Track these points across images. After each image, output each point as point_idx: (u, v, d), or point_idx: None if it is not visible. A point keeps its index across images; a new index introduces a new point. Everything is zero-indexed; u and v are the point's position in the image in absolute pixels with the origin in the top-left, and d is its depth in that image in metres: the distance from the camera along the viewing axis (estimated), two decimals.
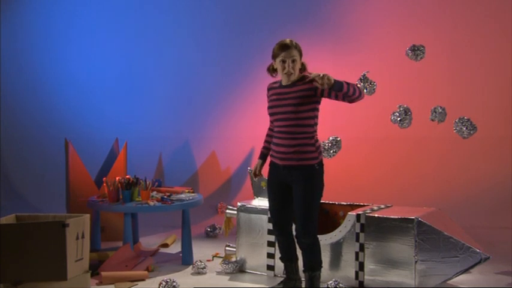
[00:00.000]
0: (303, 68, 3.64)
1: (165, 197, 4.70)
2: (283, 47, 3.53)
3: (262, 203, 4.35)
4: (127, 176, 4.79)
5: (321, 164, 3.57)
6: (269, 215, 3.88)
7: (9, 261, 3.42)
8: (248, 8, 7.09)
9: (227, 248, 4.60)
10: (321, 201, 3.64)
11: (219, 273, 4.39)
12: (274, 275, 4.25)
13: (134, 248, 4.67)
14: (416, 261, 3.73)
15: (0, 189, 6.98)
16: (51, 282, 3.45)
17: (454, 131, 4.63)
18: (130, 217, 4.55)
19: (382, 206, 4.24)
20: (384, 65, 6.43)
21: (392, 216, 3.84)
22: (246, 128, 6.97)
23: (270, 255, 4.27)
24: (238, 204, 4.49)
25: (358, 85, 4.54)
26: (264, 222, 4.30)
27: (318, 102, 3.56)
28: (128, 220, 4.48)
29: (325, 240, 4.01)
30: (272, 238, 4.19)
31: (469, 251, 3.72)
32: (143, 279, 4.19)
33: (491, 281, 4.13)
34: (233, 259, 4.51)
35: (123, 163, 5.60)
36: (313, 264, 3.63)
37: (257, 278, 4.26)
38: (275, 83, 3.71)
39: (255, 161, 4.00)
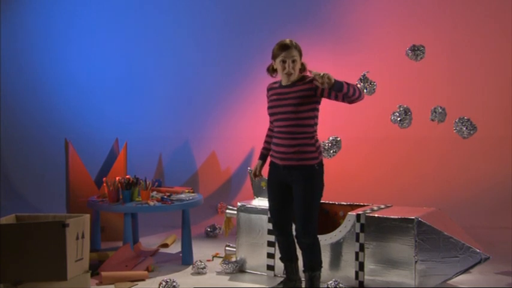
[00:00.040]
0: (303, 68, 3.63)
1: (165, 197, 4.70)
2: (283, 47, 3.53)
3: (262, 203, 4.35)
4: (127, 176, 4.79)
5: (321, 164, 3.57)
6: (269, 215, 3.87)
7: (9, 261, 3.42)
8: (248, 8, 7.10)
9: (227, 248, 4.60)
10: (321, 201, 3.64)
11: (219, 273, 4.39)
12: (274, 275, 4.25)
13: (134, 248, 4.67)
14: (416, 261, 3.73)
15: (0, 189, 6.98)
16: (51, 282, 3.45)
17: (454, 131, 4.63)
18: (130, 217, 4.55)
19: (382, 206, 4.24)
20: (384, 65, 6.43)
21: (392, 216, 3.84)
22: (246, 128, 6.97)
23: (270, 255, 4.27)
24: (238, 204, 4.49)
25: (358, 85, 4.54)
26: (264, 222, 4.30)
27: (318, 103, 3.56)
28: (127, 220, 4.48)
29: (325, 240, 4.01)
30: (272, 238, 4.19)
31: (469, 251, 3.72)
32: (143, 279, 4.19)
33: (491, 281, 4.13)
34: (233, 259, 4.51)
35: (123, 163, 5.60)
36: (313, 264, 3.63)
37: (257, 278, 4.26)
38: (275, 83, 3.71)
39: (255, 161, 4.00)
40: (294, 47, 3.53)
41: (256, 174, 3.90)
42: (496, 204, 6.18)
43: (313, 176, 3.52)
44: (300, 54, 3.57)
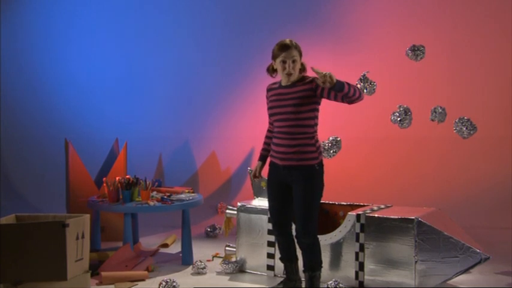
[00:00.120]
0: (303, 68, 3.63)
1: (165, 197, 4.70)
2: (284, 47, 3.53)
3: (262, 203, 4.35)
4: (127, 176, 4.79)
5: (321, 164, 3.57)
6: (269, 215, 3.87)
7: (9, 261, 3.42)
8: (248, 8, 7.10)
9: (227, 248, 4.60)
10: (321, 201, 3.64)
11: (219, 273, 4.39)
12: (274, 275, 4.25)
13: (134, 248, 4.67)
14: (416, 261, 3.73)
15: (0, 189, 6.98)
16: (51, 282, 3.44)
17: (454, 131, 4.63)
18: (130, 217, 4.55)
19: (382, 206, 4.24)
20: (384, 65, 6.43)
21: (392, 216, 3.84)
22: (246, 128, 6.97)
23: (270, 255, 4.27)
24: (238, 204, 4.49)
25: (358, 85, 4.54)
26: (264, 222, 4.30)
27: (318, 103, 3.56)
28: (128, 220, 4.48)
29: (325, 240, 4.01)
30: (272, 238, 4.19)
31: (469, 251, 3.72)
32: (143, 279, 4.19)
33: (491, 281, 4.13)
34: (233, 259, 4.51)
35: (123, 163, 5.60)
36: (313, 264, 3.63)
37: (257, 278, 4.26)
38: (274, 83, 3.71)
39: (255, 161, 4.00)
40: (294, 47, 3.53)
41: (256, 175, 3.90)
42: (496, 204, 6.18)
43: (313, 176, 3.52)
44: (300, 55, 3.57)
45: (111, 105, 7.29)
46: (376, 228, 3.87)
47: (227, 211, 4.70)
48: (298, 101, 3.50)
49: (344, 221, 4.02)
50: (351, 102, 3.43)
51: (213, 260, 4.74)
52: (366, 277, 3.91)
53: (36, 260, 3.43)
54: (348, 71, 5.44)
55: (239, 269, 4.40)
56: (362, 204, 4.38)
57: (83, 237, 3.61)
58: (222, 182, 7.02)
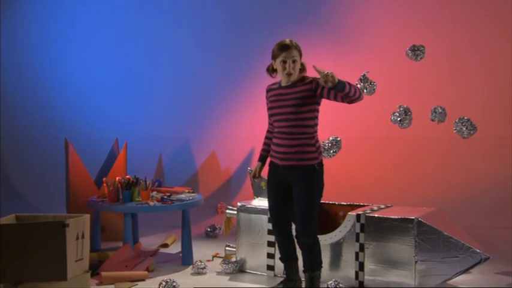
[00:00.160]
0: (303, 68, 3.63)
1: (165, 197, 4.70)
2: (284, 47, 3.53)
3: (262, 203, 4.35)
4: (127, 176, 4.79)
5: (321, 164, 3.57)
6: (269, 215, 3.87)
7: (9, 261, 3.42)
8: (248, 8, 7.10)
9: (227, 248, 4.60)
10: (321, 201, 3.64)
11: (219, 273, 4.39)
12: (274, 275, 4.25)
13: (134, 248, 4.67)
14: (416, 261, 3.73)
15: (0, 189, 6.98)
16: (51, 282, 3.44)
17: (454, 131, 4.63)
18: (130, 217, 4.55)
19: (382, 206, 4.24)
20: (384, 65, 6.43)
21: (392, 216, 3.84)
22: (246, 128, 6.97)
23: (270, 255, 4.27)
24: (238, 204, 4.49)
25: (358, 85, 4.54)
26: (264, 222, 4.30)
27: (318, 103, 3.56)
28: (128, 220, 4.48)
29: (325, 240, 4.01)
30: (272, 238, 4.19)
31: (469, 251, 3.72)
32: (143, 279, 4.19)
33: (491, 281, 4.13)
34: (233, 259, 4.51)
35: (123, 163, 5.60)
36: (313, 264, 3.63)
37: (257, 278, 4.26)
38: (274, 84, 3.71)
39: (255, 161, 4.00)
40: (294, 47, 3.53)
41: (256, 176, 3.90)
42: (496, 204, 6.18)
43: (313, 176, 3.52)
44: (300, 55, 3.57)
45: (111, 105, 7.29)
46: (376, 228, 3.87)
47: (227, 211, 4.70)
48: (298, 101, 3.50)
49: (344, 221, 4.02)
50: (351, 102, 3.42)
51: (213, 260, 4.74)
52: (366, 277, 3.91)
53: (36, 260, 3.43)
54: (348, 71, 5.44)
55: (239, 269, 4.40)
56: (362, 204, 4.38)
57: (83, 237, 3.61)
58: (222, 182, 7.02)
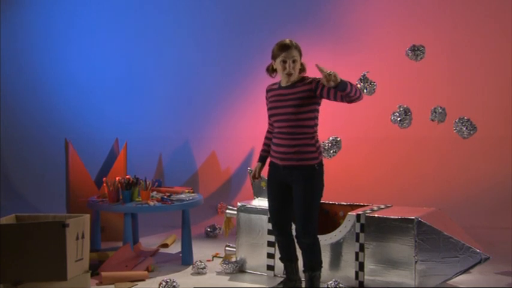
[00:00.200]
0: (303, 68, 3.63)
1: (165, 197, 4.70)
2: (284, 47, 3.53)
3: (262, 203, 4.35)
4: (127, 176, 4.79)
5: (321, 164, 3.57)
6: (269, 215, 3.87)
7: (9, 261, 3.42)
8: (248, 8, 7.09)
9: (227, 248, 4.60)
10: (321, 201, 3.64)
11: (219, 273, 4.39)
12: (274, 275, 4.25)
13: (134, 248, 4.67)
14: (416, 261, 3.73)
15: (0, 189, 6.98)
16: (51, 282, 3.44)
17: (454, 131, 4.63)
18: (131, 217, 4.55)
19: (382, 206, 4.24)
20: (384, 65, 6.43)
21: (392, 216, 3.84)
22: (246, 128, 6.97)
23: (270, 256, 4.26)
24: (238, 204, 4.49)
25: (358, 85, 4.55)
26: (264, 223, 4.30)
27: (318, 103, 3.56)
28: (128, 220, 4.48)
29: (325, 240, 4.01)
30: (272, 238, 4.19)
31: (469, 251, 3.72)
32: (143, 279, 4.19)
33: (491, 281, 4.13)
34: (233, 259, 4.51)
35: (123, 163, 5.60)
36: (313, 264, 3.63)
37: (257, 278, 4.26)
38: (274, 84, 3.71)
39: (255, 161, 4.00)
40: (294, 47, 3.53)
41: (256, 176, 3.90)
42: (496, 204, 6.18)
43: (313, 176, 3.52)
44: (300, 55, 3.57)
45: (111, 105, 7.29)
46: (376, 228, 3.87)
47: (227, 211, 4.70)
48: (298, 101, 3.50)
49: (344, 221, 4.02)
50: (350, 101, 3.42)
51: (213, 260, 4.74)
52: (366, 277, 3.91)
53: (36, 260, 3.43)
54: (348, 71, 5.43)
55: (239, 269, 4.40)
56: (362, 204, 4.38)
57: (83, 237, 3.61)
58: (222, 182, 7.02)
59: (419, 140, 6.55)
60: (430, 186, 6.42)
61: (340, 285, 3.75)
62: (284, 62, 3.53)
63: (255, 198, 4.56)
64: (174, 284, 3.79)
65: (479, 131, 4.68)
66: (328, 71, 3.19)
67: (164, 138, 7.16)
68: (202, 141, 7.14)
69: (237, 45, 7.09)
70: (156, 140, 7.14)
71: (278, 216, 3.72)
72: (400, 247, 3.78)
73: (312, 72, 3.64)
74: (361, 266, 3.92)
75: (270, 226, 4.14)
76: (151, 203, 4.50)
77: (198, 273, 4.36)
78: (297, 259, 3.82)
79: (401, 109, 4.55)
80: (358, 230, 3.93)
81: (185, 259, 4.64)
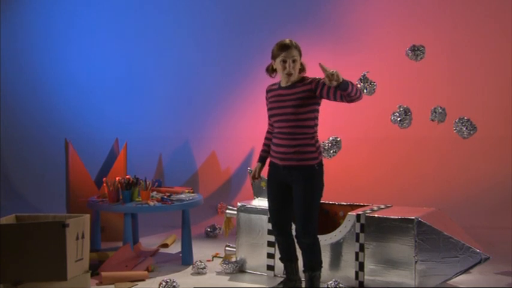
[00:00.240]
0: (302, 68, 3.63)
1: (165, 197, 4.70)
2: (284, 47, 3.53)
3: (262, 203, 4.35)
4: (127, 176, 4.79)
5: (320, 165, 3.57)
6: (269, 215, 3.87)
7: (9, 261, 3.42)
8: (248, 8, 7.10)
9: (227, 248, 4.60)
10: (321, 201, 3.63)
11: (219, 273, 4.39)
12: (274, 275, 4.25)
13: (134, 248, 4.67)
14: (416, 262, 3.73)
15: (0, 189, 6.98)
16: (51, 282, 3.45)
17: (454, 131, 4.63)
18: (131, 217, 4.55)
19: (382, 206, 4.24)
20: (384, 65, 6.43)
21: (392, 217, 3.84)
22: (246, 128, 6.97)
23: (270, 256, 4.26)
24: (238, 204, 4.49)
25: (358, 85, 4.55)
26: (264, 223, 4.30)
27: (318, 103, 3.56)
28: (128, 220, 4.48)
29: (325, 241, 4.01)
30: (272, 238, 4.19)
31: (469, 251, 3.72)
32: (143, 280, 4.19)
33: (491, 281, 4.13)
34: (233, 259, 4.51)
35: (123, 163, 5.60)
36: (313, 265, 3.63)
37: (257, 278, 4.26)
38: (274, 84, 3.71)
39: (255, 161, 4.00)
40: (294, 47, 3.53)
41: (255, 176, 3.90)
42: (496, 204, 6.18)
43: (313, 176, 3.52)
44: (300, 54, 3.57)
45: (111, 105, 7.29)
46: (376, 228, 3.87)
47: (227, 211, 4.70)
48: (298, 101, 3.50)
49: (344, 221, 4.02)
50: (351, 101, 3.42)
51: (213, 260, 4.74)
52: (366, 277, 3.91)
53: (36, 260, 3.43)
54: (348, 71, 5.43)
55: (239, 269, 4.40)
56: (362, 204, 4.38)
57: (83, 237, 3.61)
58: (222, 182, 7.02)
59: (419, 140, 6.55)
60: (430, 186, 6.42)
61: (340, 285, 3.75)
62: (284, 61, 3.53)
63: (255, 198, 4.56)
64: (174, 284, 3.79)
65: (479, 131, 4.68)
66: (331, 71, 3.20)
67: (164, 138, 7.16)
68: (202, 141, 7.14)
69: (237, 45, 7.10)
70: (156, 140, 7.14)
71: (278, 216, 3.72)
72: (400, 247, 3.78)
73: (312, 72, 3.64)
74: (361, 266, 3.92)
75: (270, 226, 4.14)
76: (151, 203, 4.50)
77: (198, 273, 4.36)
78: (297, 259, 3.82)
79: (401, 109, 4.55)
80: (358, 230, 3.93)
81: (185, 259, 4.64)
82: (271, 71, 3.69)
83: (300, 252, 3.67)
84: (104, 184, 4.66)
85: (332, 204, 4.49)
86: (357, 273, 3.93)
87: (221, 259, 4.60)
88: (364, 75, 4.56)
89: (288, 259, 3.82)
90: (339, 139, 4.61)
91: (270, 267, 4.27)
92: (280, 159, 3.58)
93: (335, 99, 3.44)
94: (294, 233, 3.67)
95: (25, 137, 7.38)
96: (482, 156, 6.46)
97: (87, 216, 3.72)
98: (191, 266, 4.49)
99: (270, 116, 3.68)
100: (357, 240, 3.93)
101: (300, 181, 3.52)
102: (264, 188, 4.45)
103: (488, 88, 6.53)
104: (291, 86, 3.57)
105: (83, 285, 3.61)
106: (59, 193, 6.12)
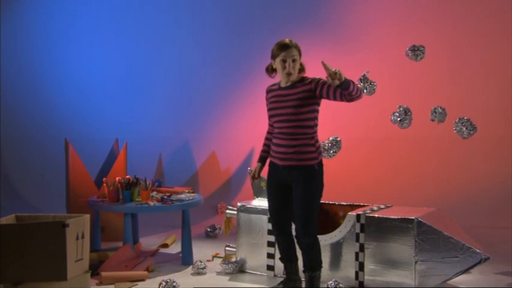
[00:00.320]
0: (302, 68, 3.63)
1: (165, 197, 4.70)
2: (283, 46, 3.53)
3: (262, 203, 4.35)
4: (127, 176, 4.79)
5: (320, 165, 3.57)
6: (269, 215, 3.87)
7: (9, 261, 3.42)
8: (248, 8, 7.10)
9: (227, 248, 4.60)
10: (321, 201, 3.63)
11: (219, 273, 4.39)
12: (274, 275, 4.25)
13: (134, 248, 4.67)
14: (416, 262, 3.73)
15: (0, 189, 6.98)
16: (51, 282, 3.45)
17: (454, 131, 4.63)
18: (131, 217, 4.55)
19: (382, 206, 4.24)
20: (384, 65, 6.43)
21: (392, 217, 3.84)
22: (246, 128, 6.97)
23: (270, 256, 4.26)
24: (238, 204, 4.49)
25: (358, 85, 4.55)
26: (264, 223, 4.30)
27: (318, 103, 3.56)
28: (128, 220, 4.48)
29: (325, 241, 4.01)
30: (272, 238, 4.19)
31: (469, 251, 3.72)
32: (143, 280, 4.19)
33: (491, 281, 4.13)
34: (233, 259, 4.51)
35: (123, 163, 5.60)
36: (313, 265, 3.63)
37: (257, 278, 4.26)
38: (273, 85, 3.71)
39: (255, 161, 4.00)
40: (294, 47, 3.53)
41: (255, 176, 3.90)
42: (496, 204, 6.18)
43: (313, 176, 3.52)
44: (300, 54, 3.57)
45: (111, 105, 7.30)
46: (376, 228, 3.87)
47: (227, 211, 4.70)
48: (298, 102, 3.50)
49: (344, 221, 4.02)
50: (351, 100, 3.41)
51: (213, 260, 4.74)
52: (366, 277, 3.91)
53: (36, 260, 3.43)
54: (348, 71, 5.43)
55: (239, 269, 4.40)
56: (362, 204, 4.38)
57: (83, 237, 3.61)
58: (222, 182, 7.02)
59: (419, 140, 6.55)
60: (430, 186, 6.42)
61: (340, 285, 3.75)
62: (284, 61, 3.53)
63: (255, 198, 4.56)
64: (174, 284, 3.79)
65: (479, 131, 4.68)
66: (333, 69, 3.20)
67: (164, 138, 7.16)
68: (202, 141, 7.14)
69: (237, 45, 7.10)
70: (156, 140, 7.14)
71: (278, 216, 3.72)
72: (400, 247, 3.78)
73: (312, 72, 3.64)
74: (361, 266, 3.92)
75: (270, 226, 4.14)
76: (151, 203, 4.50)
77: (198, 273, 4.36)
78: (297, 259, 3.82)
79: (401, 109, 4.55)
80: (358, 230, 3.93)
81: (185, 259, 4.64)
82: (270, 71, 3.69)
83: (300, 252, 3.67)
84: (104, 184, 4.66)
85: (332, 204, 4.49)
86: (357, 273, 3.93)
87: (221, 259, 4.60)
88: (364, 75, 4.56)
89: (288, 259, 3.82)
90: (339, 139, 4.61)
91: (270, 267, 4.27)
92: (280, 159, 3.58)
93: (335, 99, 3.45)
94: (294, 233, 3.67)
95: (25, 137, 7.38)
96: (482, 156, 6.46)
97: (87, 216, 3.72)
98: (191, 266, 4.49)
99: (270, 116, 3.68)
100: (357, 240, 3.93)
101: (299, 181, 3.52)
102: (264, 188, 4.45)
103: (488, 88, 6.53)
104: (291, 86, 3.57)
105: (83, 285, 3.61)
106: (59, 193, 6.12)
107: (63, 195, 5.83)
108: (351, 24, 6.86)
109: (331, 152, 4.57)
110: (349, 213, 4.01)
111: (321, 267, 3.67)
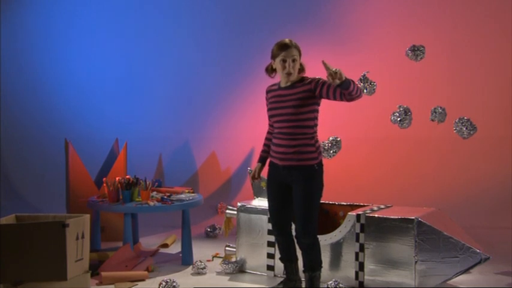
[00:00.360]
0: (302, 68, 3.63)
1: (165, 197, 4.70)
2: (283, 46, 3.53)
3: (262, 203, 4.35)
4: (127, 176, 4.79)
5: (320, 165, 3.57)
6: (269, 215, 3.87)
7: (9, 261, 3.42)
8: (248, 8, 7.10)
9: (227, 248, 4.60)
10: (321, 201, 3.63)
11: (219, 273, 4.39)
12: (274, 275, 4.25)
13: (134, 248, 4.67)
14: (416, 262, 3.73)
15: (0, 189, 6.98)
16: (51, 282, 3.45)
17: (454, 131, 4.63)
18: (131, 217, 4.55)
19: (382, 206, 4.24)
20: (384, 65, 6.43)
21: (392, 217, 3.84)
22: (246, 128, 6.97)
23: (270, 256, 4.26)
24: (238, 204, 4.49)
25: (358, 85, 4.55)
26: (264, 223, 4.30)
27: (318, 103, 3.56)
28: (128, 220, 4.48)
29: (325, 241, 4.01)
30: (272, 238, 4.19)
31: (469, 251, 3.72)
32: (143, 280, 4.19)
33: (491, 281, 4.13)
34: (233, 259, 4.51)
35: (123, 163, 5.60)
36: (313, 265, 3.63)
37: (257, 278, 4.26)
38: (273, 85, 3.71)
39: (255, 161, 4.00)
40: (293, 47, 3.54)
41: (255, 176, 3.90)
42: (496, 204, 6.18)
43: (313, 176, 3.52)
44: (300, 54, 3.57)
45: (111, 105, 7.29)
46: (376, 228, 3.87)
47: (227, 211, 4.70)
48: (298, 102, 3.50)
49: (344, 221, 4.02)
50: (351, 100, 3.41)
51: (213, 260, 4.74)
52: (366, 277, 3.91)
53: (36, 260, 3.43)
54: (348, 71, 5.42)
55: (239, 269, 4.40)
56: (362, 204, 4.38)
57: (83, 237, 3.61)
58: (222, 182, 7.02)
59: (419, 140, 6.55)
60: (430, 186, 6.42)
61: (340, 285, 3.75)
62: (284, 61, 3.53)
63: (255, 198, 4.56)
64: (174, 284, 3.79)
65: (479, 131, 4.68)
66: (334, 69, 3.20)
67: (164, 138, 7.16)
68: (202, 141, 7.14)
69: (237, 45, 7.10)
70: (156, 140, 7.14)
71: (278, 216, 3.72)
72: (400, 247, 3.78)
73: (312, 72, 3.64)
74: (361, 266, 3.92)
75: (270, 226, 4.14)
76: (151, 203, 4.50)
77: (198, 273, 4.36)
78: (297, 259, 3.82)
79: (401, 109, 4.55)
80: (358, 230, 3.93)
81: (185, 259, 4.64)
82: (270, 71, 3.69)
83: (300, 252, 3.67)
84: (104, 184, 4.66)
85: (332, 204, 4.49)
86: (357, 273, 3.93)
87: (221, 259, 4.60)
88: (364, 75, 4.56)
89: (288, 259, 3.82)
90: (339, 139, 4.61)
91: (270, 267, 4.27)
92: (280, 159, 3.58)
93: (335, 99, 3.45)
94: (294, 233, 3.67)
95: (25, 137, 7.38)
96: (482, 156, 6.46)
97: (87, 216, 3.72)
98: (191, 266, 4.49)
99: (270, 117, 3.68)
100: (357, 240, 3.93)
101: (299, 181, 3.52)
102: (264, 188, 4.45)
103: (488, 88, 6.53)
104: (291, 86, 3.57)
105: (83, 285, 3.61)
106: (59, 193, 6.12)
107: (63, 195, 5.83)
108: (351, 24, 6.86)
109: (331, 152, 4.57)
110: (349, 213, 4.01)
111: (321, 267, 3.67)
